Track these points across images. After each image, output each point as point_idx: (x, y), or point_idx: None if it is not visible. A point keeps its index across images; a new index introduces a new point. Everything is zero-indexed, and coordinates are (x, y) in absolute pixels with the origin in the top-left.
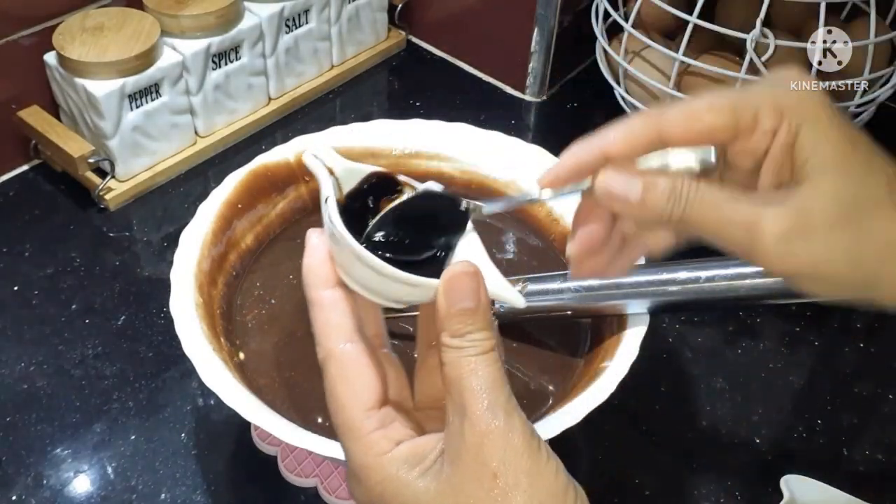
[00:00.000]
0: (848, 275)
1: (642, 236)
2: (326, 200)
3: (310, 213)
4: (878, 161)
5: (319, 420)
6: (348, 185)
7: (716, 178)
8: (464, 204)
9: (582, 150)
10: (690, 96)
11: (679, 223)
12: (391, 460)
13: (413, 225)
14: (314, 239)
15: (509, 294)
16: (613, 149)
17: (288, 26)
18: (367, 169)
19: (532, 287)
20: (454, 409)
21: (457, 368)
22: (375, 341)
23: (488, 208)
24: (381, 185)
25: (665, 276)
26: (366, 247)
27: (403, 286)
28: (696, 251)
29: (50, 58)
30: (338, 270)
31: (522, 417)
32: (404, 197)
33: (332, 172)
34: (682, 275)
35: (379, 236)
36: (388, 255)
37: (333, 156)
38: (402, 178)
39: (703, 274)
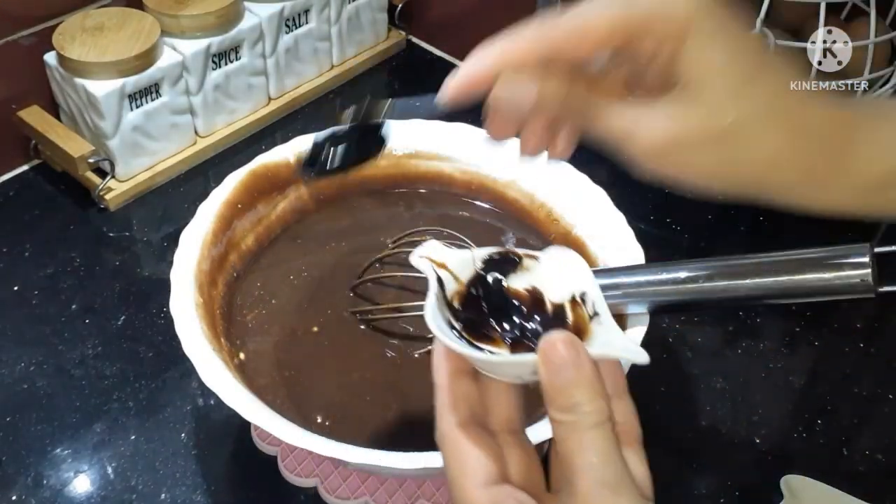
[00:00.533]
0: (718, 185)
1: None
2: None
3: (310, 213)
4: (766, 69)
5: (319, 419)
6: (466, 273)
7: (606, 70)
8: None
9: (478, 65)
10: (584, 4)
11: (571, 121)
12: None
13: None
14: None
15: (629, 353)
16: (509, 61)
17: (288, 26)
18: (481, 253)
19: None
20: (565, 488)
21: (565, 444)
22: (505, 425)
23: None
24: (502, 262)
25: (665, 276)
26: (475, 331)
27: (512, 367)
28: (696, 251)
29: (50, 58)
30: None
31: (632, 493)
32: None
33: (444, 266)
34: (682, 275)
35: (492, 317)
36: (508, 332)
37: (442, 251)
38: (519, 250)
39: (703, 274)
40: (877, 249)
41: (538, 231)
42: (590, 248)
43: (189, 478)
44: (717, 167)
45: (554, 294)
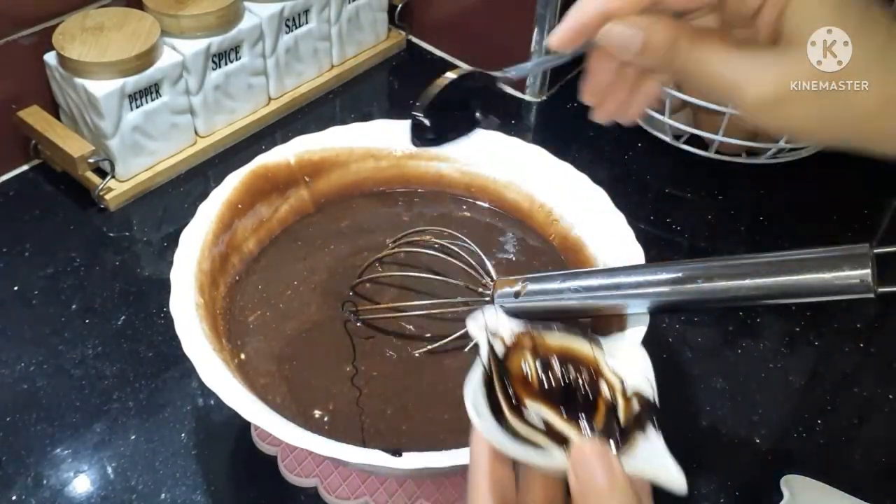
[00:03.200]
0: (822, 135)
1: (648, 81)
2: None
3: (310, 214)
4: (872, 22)
5: (318, 414)
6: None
7: (717, 20)
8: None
9: (583, 12)
10: None
11: (675, 73)
12: None
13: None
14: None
15: (666, 476)
16: (614, 10)
17: (288, 26)
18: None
19: (532, 287)
20: None
21: None
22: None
23: (513, 72)
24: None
25: (665, 276)
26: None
27: (545, 466)
28: (696, 251)
29: (50, 58)
30: None
31: None
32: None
33: (497, 336)
34: (682, 275)
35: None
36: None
37: (498, 319)
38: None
39: (703, 274)
40: (876, 250)
41: (538, 232)
42: (590, 248)
43: (189, 478)
44: (825, 117)
45: (611, 385)
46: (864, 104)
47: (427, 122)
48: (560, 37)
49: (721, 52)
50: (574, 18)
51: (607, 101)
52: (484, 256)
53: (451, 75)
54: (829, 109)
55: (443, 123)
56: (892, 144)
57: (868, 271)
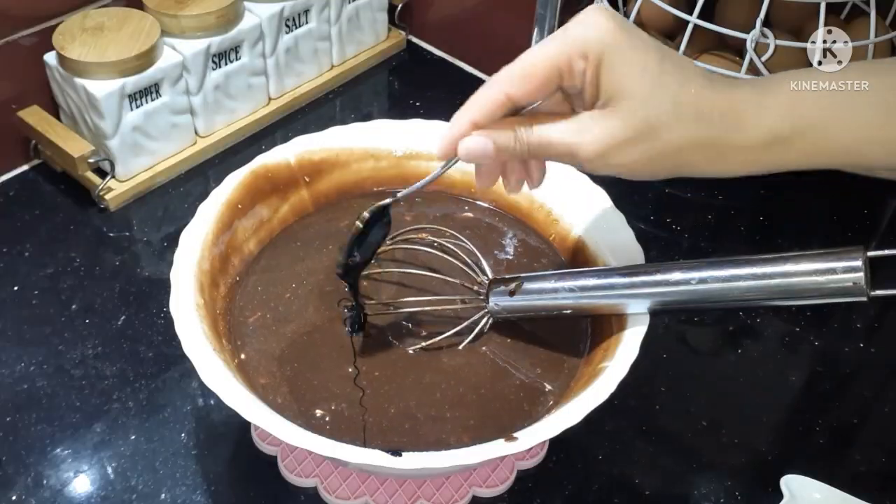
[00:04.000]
0: (648, 171)
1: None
2: None
3: (310, 214)
4: (668, 72)
5: (319, 413)
6: None
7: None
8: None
9: (456, 127)
10: (526, 52)
11: (528, 153)
12: None
13: None
14: None
15: None
16: (478, 120)
17: (288, 26)
18: None
19: (530, 286)
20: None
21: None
22: None
23: (402, 194)
24: None
25: (665, 276)
26: None
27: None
28: (696, 251)
29: (50, 58)
30: None
31: None
32: None
33: None
34: (682, 275)
35: None
36: None
37: None
38: None
39: (700, 275)
40: (870, 253)
41: (538, 232)
42: (590, 248)
43: (189, 478)
44: (645, 159)
45: None
46: (669, 145)
47: (353, 262)
48: (442, 149)
49: (555, 125)
50: (450, 132)
51: (510, 180)
52: (480, 255)
53: (358, 224)
54: (646, 152)
55: (364, 254)
56: (702, 171)
57: (861, 275)
